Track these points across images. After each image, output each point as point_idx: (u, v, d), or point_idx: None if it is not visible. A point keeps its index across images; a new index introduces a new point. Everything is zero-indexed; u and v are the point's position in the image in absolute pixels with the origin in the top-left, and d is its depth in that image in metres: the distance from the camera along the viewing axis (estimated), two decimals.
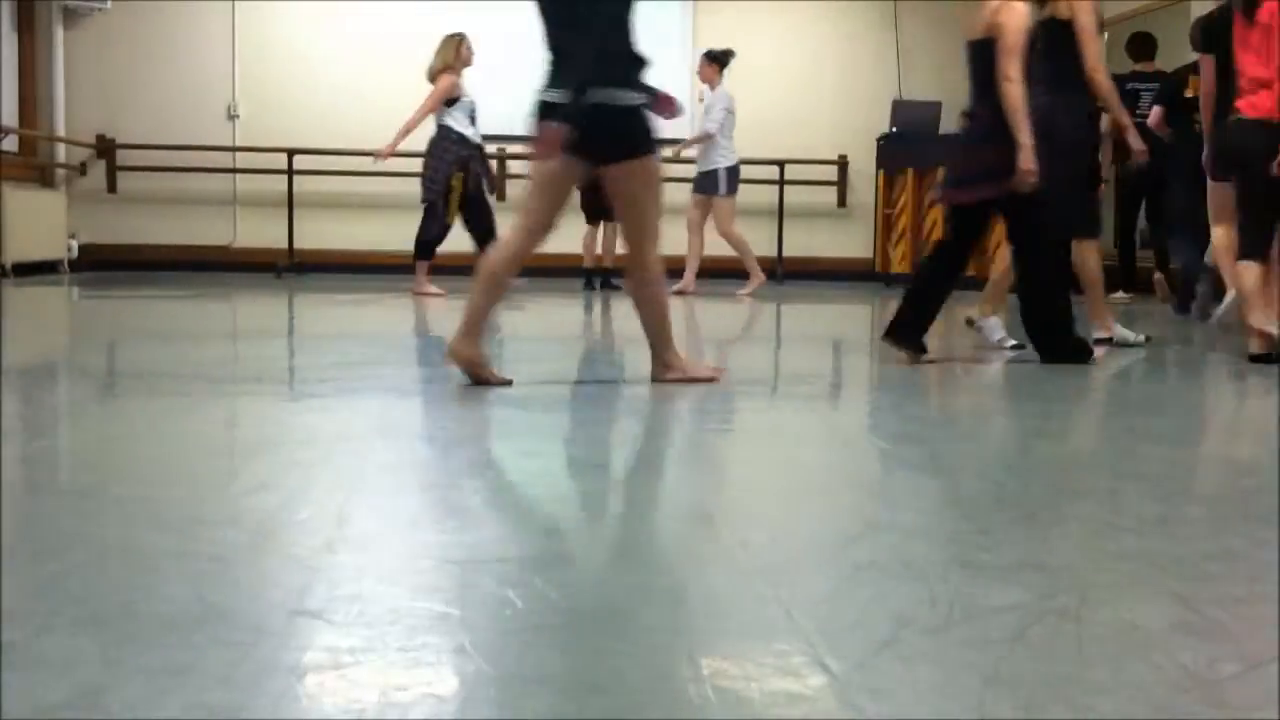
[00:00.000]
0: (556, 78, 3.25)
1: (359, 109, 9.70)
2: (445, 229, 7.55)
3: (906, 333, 4.09)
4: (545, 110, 3.22)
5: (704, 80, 8.08)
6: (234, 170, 9.64)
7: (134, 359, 4.23)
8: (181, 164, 9.52)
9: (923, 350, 4.08)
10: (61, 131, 9.39)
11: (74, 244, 9.33)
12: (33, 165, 9.22)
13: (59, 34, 9.33)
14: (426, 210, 7.55)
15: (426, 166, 7.56)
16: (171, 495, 2.01)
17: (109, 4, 9.36)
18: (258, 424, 2.86)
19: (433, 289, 7.36)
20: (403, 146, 9.67)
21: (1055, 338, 4.14)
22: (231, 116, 9.66)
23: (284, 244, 9.47)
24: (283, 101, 9.64)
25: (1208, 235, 5.56)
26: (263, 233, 9.62)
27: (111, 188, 9.59)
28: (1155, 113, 6.71)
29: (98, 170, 9.60)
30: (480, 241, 7.51)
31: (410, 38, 9.75)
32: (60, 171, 9.47)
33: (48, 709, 1.11)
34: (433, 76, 7.72)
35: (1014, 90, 3.94)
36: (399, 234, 9.78)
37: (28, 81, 9.21)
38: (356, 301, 6.90)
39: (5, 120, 8.68)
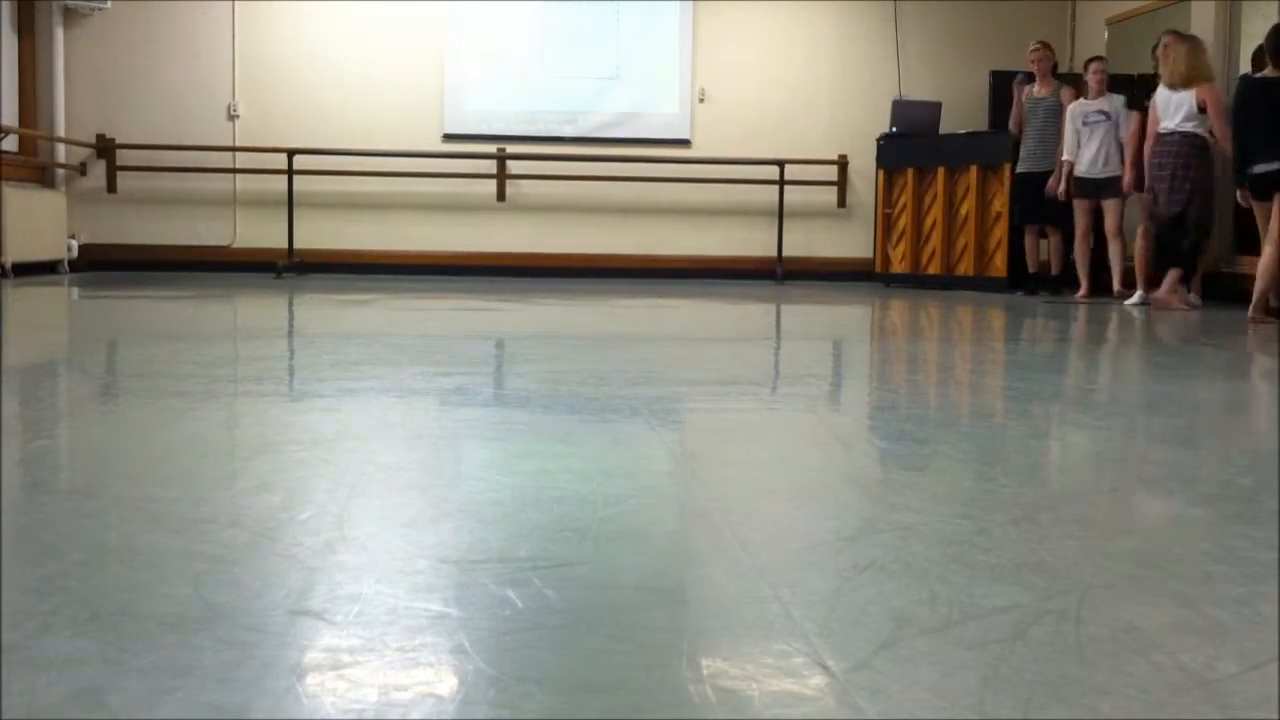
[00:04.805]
0: None
1: (359, 109, 9.72)
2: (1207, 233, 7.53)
3: None
4: None
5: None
6: (234, 170, 9.65)
7: (134, 359, 4.22)
8: (181, 164, 9.54)
9: None
10: (61, 131, 9.39)
11: (74, 244, 9.34)
12: (33, 165, 9.23)
13: (59, 34, 9.35)
14: (1181, 217, 7.43)
15: (1176, 177, 7.39)
16: (171, 495, 2.01)
17: (109, 4, 9.37)
18: (258, 424, 2.86)
19: (1177, 302, 7.29)
20: (404, 147, 9.71)
21: None
22: (231, 116, 9.67)
23: (284, 244, 9.48)
24: (283, 101, 9.66)
25: None
26: (263, 233, 9.64)
27: (111, 188, 9.60)
28: None
29: (98, 170, 9.61)
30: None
31: (411, 37, 9.77)
32: (60, 171, 9.48)
33: (48, 709, 1.11)
34: (1184, 82, 7.36)
35: None
36: (398, 234, 9.80)
37: (28, 81, 9.22)
38: (356, 301, 6.90)
39: (5, 120, 8.69)
